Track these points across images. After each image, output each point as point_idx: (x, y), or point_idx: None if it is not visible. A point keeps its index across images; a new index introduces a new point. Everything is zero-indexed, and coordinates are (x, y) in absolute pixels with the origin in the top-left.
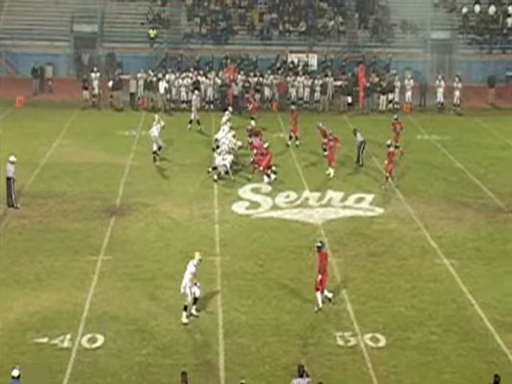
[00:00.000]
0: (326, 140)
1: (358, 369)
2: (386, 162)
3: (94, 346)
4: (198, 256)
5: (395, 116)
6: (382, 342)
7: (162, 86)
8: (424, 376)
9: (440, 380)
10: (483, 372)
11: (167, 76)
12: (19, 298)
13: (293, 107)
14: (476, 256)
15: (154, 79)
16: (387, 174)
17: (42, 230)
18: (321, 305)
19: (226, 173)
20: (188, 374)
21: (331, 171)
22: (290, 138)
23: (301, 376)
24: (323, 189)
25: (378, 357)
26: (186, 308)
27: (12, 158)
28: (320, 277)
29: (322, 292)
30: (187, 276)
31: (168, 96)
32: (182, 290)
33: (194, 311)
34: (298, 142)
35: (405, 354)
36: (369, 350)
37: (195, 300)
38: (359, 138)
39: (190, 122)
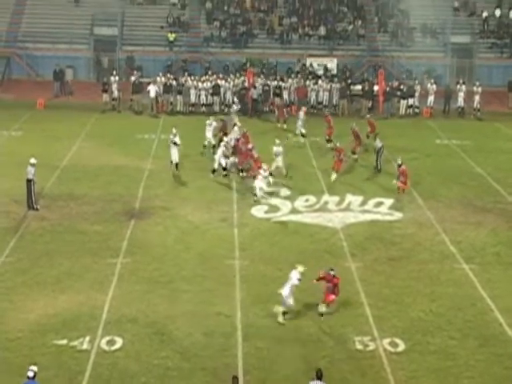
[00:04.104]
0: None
1: (377, 373)
2: (401, 179)
3: (113, 348)
4: (300, 268)
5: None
6: (401, 347)
7: (153, 89)
8: (443, 381)
9: None
10: (503, 378)
11: (158, 79)
12: (39, 300)
13: (326, 112)
14: (496, 261)
15: (174, 82)
16: (402, 188)
17: (62, 232)
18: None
19: (224, 169)
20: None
21: (334, 176)
22: (327, 141)
23: (319, 379)
24: (342, 193)
25: (396, 361)
26: (284, 313)
27: (32, 160)
28: (333, 297)
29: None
30: (289, 287)
31: (177, 99)
32: (283, 298)
33: (280, 319)
34: (328, 145)
35: (424, 359)
36: (387, 355)
37: (285, 312)
38: (378, 143)
39: None
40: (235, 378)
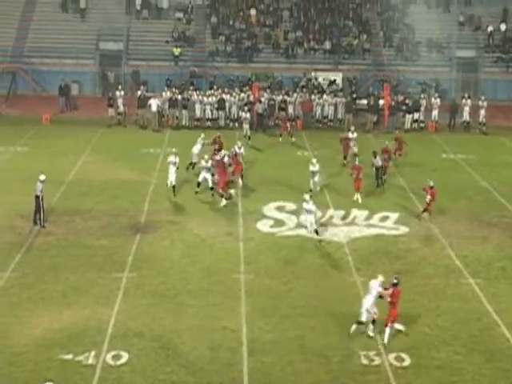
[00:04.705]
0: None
1: None
2: (428, 200)
3: (119, 362)
4: (381, 278)
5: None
6: (407, 362)
7: (154, 104)
8: None
9: None
10: None
11: (164, 94)
12: (45, 315)
13: (342, 135)
14: (502, 275)
15: (179, 97)
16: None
17: (68, 247)
18: (385, 340)
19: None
20: None
21: (358, 196)
22: (344, 158)
23: None
24: (348, 207)
25: (402, 376)
26: (373, 321)
27: (42, 177)
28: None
29: (391, 326)
30: (371, 298)
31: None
32: (362, 310)
33: (370, 332)
34: (345, 162)
35: (429, 374)
36: (393, 370)
37: (374, 321)
38: (378, 161)
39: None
40: None
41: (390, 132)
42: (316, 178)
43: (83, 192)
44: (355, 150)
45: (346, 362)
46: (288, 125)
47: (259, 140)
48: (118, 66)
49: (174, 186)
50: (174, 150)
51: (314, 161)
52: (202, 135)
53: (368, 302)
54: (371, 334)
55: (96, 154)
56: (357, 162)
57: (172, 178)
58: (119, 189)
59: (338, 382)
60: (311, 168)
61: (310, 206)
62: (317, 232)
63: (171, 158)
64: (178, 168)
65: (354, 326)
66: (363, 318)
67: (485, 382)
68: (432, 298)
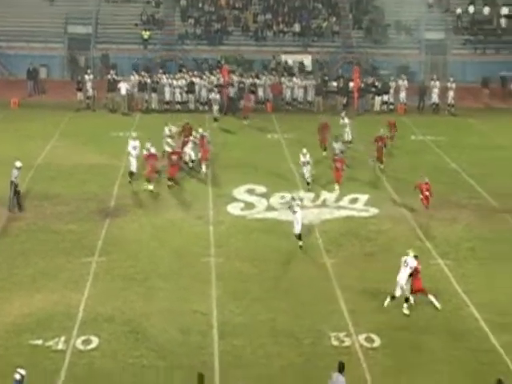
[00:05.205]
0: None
1: (353, 369)
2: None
3: (89, 347)
4: (411, 252)
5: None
6: (377, 343)
7: (124, 87)
8: (419, 376)
9: (435, 380)
10: (478, 372)
11: (132, 78)
12: (14, 300)
13: (321, 121)
14: (471, 256)
15: (148, 80)
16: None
17: (37, 232)
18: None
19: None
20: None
21: (337, 187)
22: (324, 149)
23: (340, 371)
24: (317, 189)
25: (372, 357)
26: (407, 300)
27: (17, 164)
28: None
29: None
30: (406, 273)
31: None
32: (397, 285)
33: (406, 310)
34: (324, 153)
35: (400, 355)
36: (364, 351)
37: (407, 299)
38: (341, 146)
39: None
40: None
41: (360, 114)
42: (307, 169)
43: (52, 176)
44: (350, 136)
45: (317, 343)
46: (252, 102)
47: (229, 123)
48: (86, 50)
49: (131, 173)
50: (133, 134)
51: (305, 151)
52: (170, 126)
53: (403, 277)
54: (407, 311)
55: (65, 138)
56: (341, 155)
57: (133, 165)
58: (88, 173)
59: (310, 364)
60: (302, 159)
61: (299, 203)
62: (299, 237)
63: (131, 143)
64: (137, 154)
65: (387, 300)
66: (397, 293)
67: (454, 362)
68: None
